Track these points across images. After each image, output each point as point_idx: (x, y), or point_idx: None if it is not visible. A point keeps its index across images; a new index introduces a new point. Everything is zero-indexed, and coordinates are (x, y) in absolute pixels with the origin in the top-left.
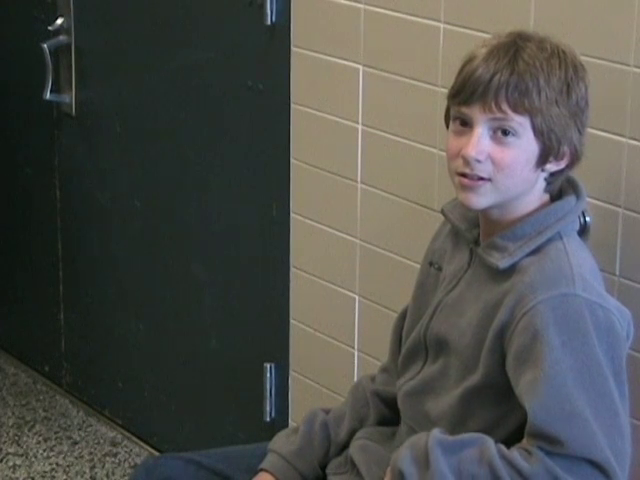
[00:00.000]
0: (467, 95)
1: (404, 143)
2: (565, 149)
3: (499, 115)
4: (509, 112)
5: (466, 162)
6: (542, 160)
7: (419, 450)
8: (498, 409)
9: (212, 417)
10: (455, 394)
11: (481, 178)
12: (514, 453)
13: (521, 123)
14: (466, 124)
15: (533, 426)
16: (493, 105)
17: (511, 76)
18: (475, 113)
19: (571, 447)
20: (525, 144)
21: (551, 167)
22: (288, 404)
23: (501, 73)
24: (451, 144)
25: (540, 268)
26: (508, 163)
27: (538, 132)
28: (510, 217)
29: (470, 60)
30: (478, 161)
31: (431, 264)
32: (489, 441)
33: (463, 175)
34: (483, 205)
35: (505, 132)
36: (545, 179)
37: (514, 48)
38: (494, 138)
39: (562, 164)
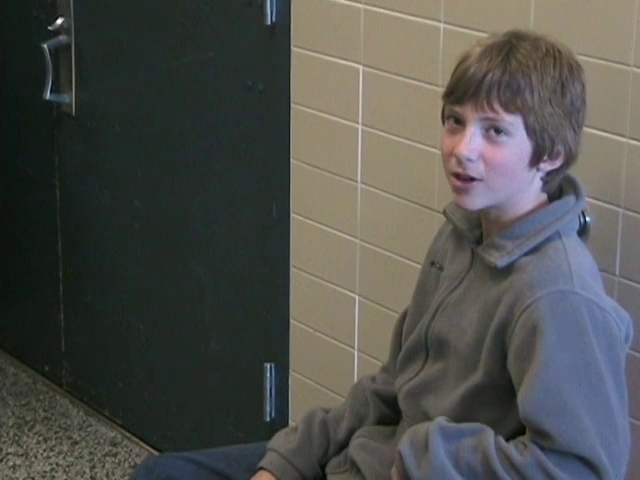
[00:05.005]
0: (460, 94)
1: (404, 143)
2: (559, 148)
3: (491, 114)
4: (501, 111)
5: (459, 161)
6: (535, 159)
7: (420, 435)
8: (500, 408)
9: (212, 417)
10: (456, 394)
11: (473, 179)
12: (510, 445)
13: (513, 122)
14: (459, 122)
15: (522, 418)
16: (485, 104)
17: (503, 75)
18: (467, 112)
19: (560, 442)
20: (518, 143)
21: (546, 166)
22: (288, 404)
23: (493, 72)
24: (445, 143)
25: (538, 266)
26: (500, 162)
27: (531, 131)
28: (508, 217)
29: (464, 59)
30: (470, 160)
31: (433, 264)
32: (488, 431)
33: (456, 176)
34: (477, 206)
35: (497, 131)
36: (541, 178)
37: (508, 47)
38: (486, 137)
39: (557, 163)
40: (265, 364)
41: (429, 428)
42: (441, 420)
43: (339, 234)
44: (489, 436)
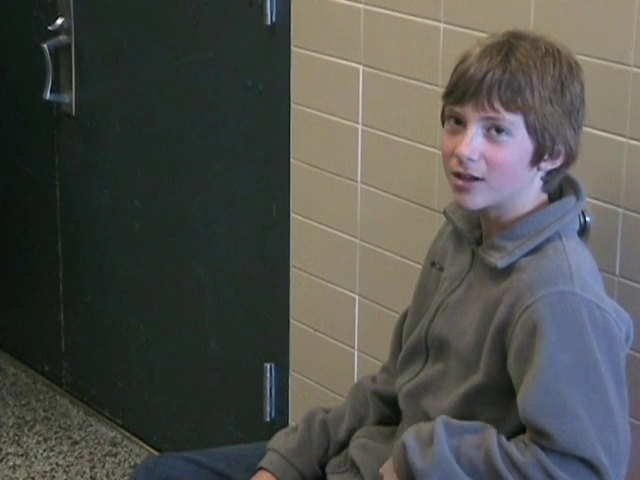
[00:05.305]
0: (460, 94)
1: (404, 143)
2: (560, 147)
3: (492, 114)
4: (502, 110)
5: (460, 161)
6: (536, 159)
7: (425, 430)
8: (500, 408)
9: (212, 417)
10: (456, 394)
11: (475, 178)
12: (512, 444)
13: (514, 122)
14: (460, 123)
15: (522, 419)
16: (486, 103)
17: (504, 74)
18: (468, 112)
19: (560, 442)
20: (518, 142)
21: (546, 166)
22: (288, 404)
23: (493, 72)
24: (446, 143)
25: (538, 267)
26: (501, 162)
27: (532, 130)
28: (508, 217)
29: (464, 59)
30: (471, 160)
31: (433, 264)
32: (492, 430)
33: (457, 175)
34: (478, 205)
35: (498, 130)
36: (542, 178)
37: (507, 47)
38: (487, 137)
39: (557, 163)
40: (265, 364)
41: (434, 424)
42: (445, 417)
43: (339, 234)
44: (492, 434)
